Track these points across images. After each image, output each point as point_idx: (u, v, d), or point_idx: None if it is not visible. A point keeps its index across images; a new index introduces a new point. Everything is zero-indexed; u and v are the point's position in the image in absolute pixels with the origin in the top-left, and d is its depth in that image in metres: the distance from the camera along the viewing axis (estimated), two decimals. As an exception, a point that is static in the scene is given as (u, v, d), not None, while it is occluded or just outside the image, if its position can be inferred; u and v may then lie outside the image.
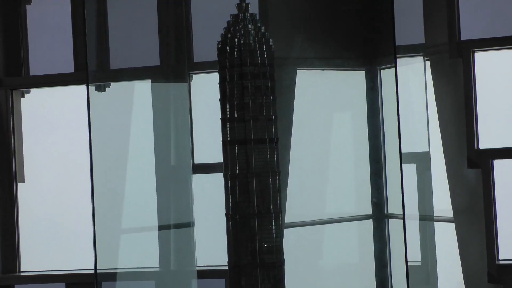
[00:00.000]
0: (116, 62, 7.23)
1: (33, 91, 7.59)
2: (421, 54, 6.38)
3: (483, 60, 6.27)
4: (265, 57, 5.32)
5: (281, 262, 5.38)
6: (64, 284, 7.34)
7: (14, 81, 7.40)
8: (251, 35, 5.31)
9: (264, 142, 5.32)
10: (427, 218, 6.39)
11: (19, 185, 7.46)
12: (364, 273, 6.70)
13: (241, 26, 5.31)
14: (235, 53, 5.28)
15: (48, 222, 7.69)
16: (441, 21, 6.33)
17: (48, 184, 7.71)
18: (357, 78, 6.58)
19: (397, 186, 6.30)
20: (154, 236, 6.60)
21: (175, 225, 6.75)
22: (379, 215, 6.55)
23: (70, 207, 7.67)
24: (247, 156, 5.27)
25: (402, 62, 6.07)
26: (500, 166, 6.15)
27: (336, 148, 6.68)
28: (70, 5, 7.33)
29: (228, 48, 5.32)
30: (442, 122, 6.34)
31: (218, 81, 5.49)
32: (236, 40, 5.29)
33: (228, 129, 5.35)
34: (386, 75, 6.37)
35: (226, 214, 5.45)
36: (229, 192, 5.38)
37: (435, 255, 6.21)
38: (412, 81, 6.48)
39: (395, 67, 5.20)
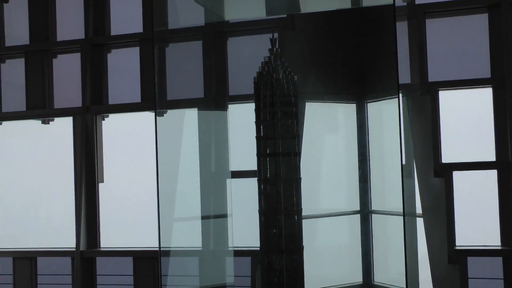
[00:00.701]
0: (171, 94, 7.03)
1: (111, 116, 7.47)
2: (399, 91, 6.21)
3: (446, 96, 6.19)
4: (291, 90, 5.31)
5: (301, 248, 5.27)
6: (132, 258, 7.14)
7: (97, 109, 7.29)
8: (280, 72, 5.24)
9: (289, 155, 5.27)
10: (407, 214, 6.11)
11: (100, 184, 7.34)
12: (352, 257, 6.44)
13: (273, 65, 5.28)
14: (268, 86, 5.22)
15: (120, 210, 7.60)
16: (414, 66, 6.16)
17: (120, 184, 7.65)
18: (350, 109, 6.39)
19: (380, 188, 6.28)
20: (198, 224, 6.36)
21: (214, 215, 6.52)
22: (365, 211, 6.32)
23: (136, 200, 7.58)
24: (276, 165, 5.19)
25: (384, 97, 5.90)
26: (458, 176, 6.13)
27: (332, 160, 6.45)
28: (138, 54, 7.23)
29: (262, 82, 5.27)
30: (415, 141, 6.15)
31: (254, 108, 5.45)
32: (269, 76, 5.24)
33: (261, 144, 5.30)
34: (371, 107, 6.24)
35: (259, 211, 5.36)
36: (262, 193, 5.31)
37: (417, 243, 5.98)
38: (390, 112, 6.32)
39: (398, 99, 4.90)
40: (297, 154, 5.32)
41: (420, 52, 6.11)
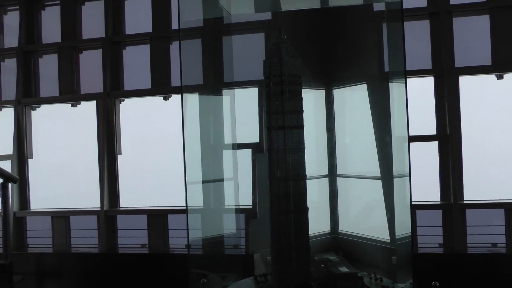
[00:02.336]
0: (175, 81, 7.75)
1: (126, 100, 8.15)
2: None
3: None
4: (297, 70, 5.51)
5: (306, 208, 5.56)
6: (146, 215, 7.93)
7: (116, 94, 8.03)
8: (286, 56, 5.49)
9: (297, 128, 5.39)
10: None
11: (118, 155, 8.06)
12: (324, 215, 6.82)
13: (281, 49, 5.49)
14: (277, 67, 5.39)
15: (134, 177, 8.06)
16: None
17: (134, 155, 8.11)
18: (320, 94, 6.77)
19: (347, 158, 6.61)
20: (199, 187, 6.61)
21: (214, 180, 6.88)
22: (333, 175, 6.75)
23: (146, 167, 7.97)
24: (284, 137, 5.33)
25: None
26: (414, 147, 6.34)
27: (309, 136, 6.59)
28: (149, 49, 7.89)
29: (272, 64, 5.47)
30: (375, 120, 6.43)
31: (265, 87, 5.55)
32: (278, 58, 5.43)
33: (272, 118, 5.38)
34: (337, 93, 6.66)
35: (269, 177, 5.58)
36: (272, 162, 5.41)
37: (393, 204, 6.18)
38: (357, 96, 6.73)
39: (405, 84, 5.06)
40: (303, 127, 5.41)
41: (379, 49, 6.49)
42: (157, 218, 7.89)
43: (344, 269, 5.51)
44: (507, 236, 6.80)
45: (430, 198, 7.04)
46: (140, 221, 7.94)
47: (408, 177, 4.99)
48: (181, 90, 5.81)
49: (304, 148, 5.52)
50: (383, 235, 6.28)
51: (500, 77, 6.87)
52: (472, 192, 6.87)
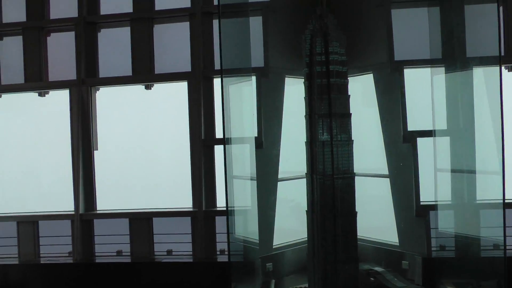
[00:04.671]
0: (159, 68, 7.09)
1: (103, 89, 7.42)
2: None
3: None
4: (344, 47, 5.06)
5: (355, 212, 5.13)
6: (127, 219, 7.24)
7: (92, 81, 7.27)
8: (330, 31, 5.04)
9: (343, 116, 4.98)
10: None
11: (95, 151, 7.34)
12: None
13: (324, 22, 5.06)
14: (322, 43, 4.94)
15: (114, 175, 7.45)
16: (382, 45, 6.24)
17: (113, 151, 7.48)
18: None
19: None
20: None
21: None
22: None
23: (128, 166, 7.39)
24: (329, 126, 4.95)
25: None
26: (421, 142, 6.20)
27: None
28: (129, 32, 7.21)
29: (315, 39, 5.00)
30: (383, 113, 6.30)
31: (307, 66, 5.04)
32: (321, 32, 4.98)
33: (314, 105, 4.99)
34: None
35: (309, 173, 5.16)
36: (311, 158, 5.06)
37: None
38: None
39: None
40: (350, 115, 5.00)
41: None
42: (141, 222, 7.22)
43: (398, 283, 4.84)
44: None
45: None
46: (121, 225, 7.27)
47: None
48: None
49: (352, 140, 5.07)
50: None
51: None
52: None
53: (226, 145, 5.54)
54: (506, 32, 6.49)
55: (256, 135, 6.11)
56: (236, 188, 5.87)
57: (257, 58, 6.31)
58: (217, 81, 7.05)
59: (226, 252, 6.96)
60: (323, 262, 4.85)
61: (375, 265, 5.58)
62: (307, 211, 5.29)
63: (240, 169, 6.07)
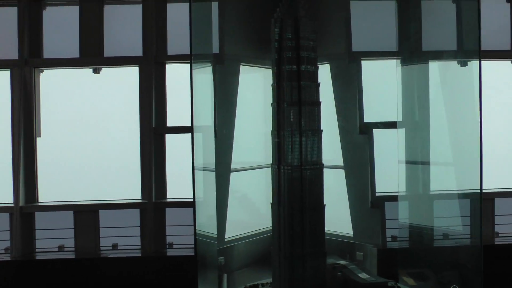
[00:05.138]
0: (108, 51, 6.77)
1: (48, 71, 7.00)
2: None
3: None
4: (313, 32, 4.86)
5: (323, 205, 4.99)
6: (72, 212, 6.85)
7: (36, 62, 6.84)
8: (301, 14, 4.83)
9: (312, 105, 4.81)
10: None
11: (37, 138, 6.94)
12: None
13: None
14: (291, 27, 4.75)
15: (57, 165, 7.02)
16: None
17: (57, 138, 7.06)
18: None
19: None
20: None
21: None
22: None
23: (72, 153, 7.03)
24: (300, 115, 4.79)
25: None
26: (380, 133, 6.24)
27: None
28: (78, 11, 6.82)
29: (283, 24, 4.79)
30: (339, 104, 6.30)
31: (275, 52, 4.81)
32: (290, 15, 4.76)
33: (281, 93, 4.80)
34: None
35: (275, 164, 5.00)
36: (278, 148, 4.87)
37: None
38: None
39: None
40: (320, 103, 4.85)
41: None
42: (86, 215, 6.84)
43: (365, 276, 4.86)
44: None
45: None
46: (65, 219, 6.86)
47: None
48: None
49: (322, 130, 4.92)
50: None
51: None
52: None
53: (190, 134, 5.16)
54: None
55: (210, 124, 5.89)
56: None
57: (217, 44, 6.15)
58: (169, 67, 6.85)
59: (175, 246, 6.77)
60: (289, 256, 4.67)
61: (339, 258, 5.51)
62: (272, 204, 5.12)
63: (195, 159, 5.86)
